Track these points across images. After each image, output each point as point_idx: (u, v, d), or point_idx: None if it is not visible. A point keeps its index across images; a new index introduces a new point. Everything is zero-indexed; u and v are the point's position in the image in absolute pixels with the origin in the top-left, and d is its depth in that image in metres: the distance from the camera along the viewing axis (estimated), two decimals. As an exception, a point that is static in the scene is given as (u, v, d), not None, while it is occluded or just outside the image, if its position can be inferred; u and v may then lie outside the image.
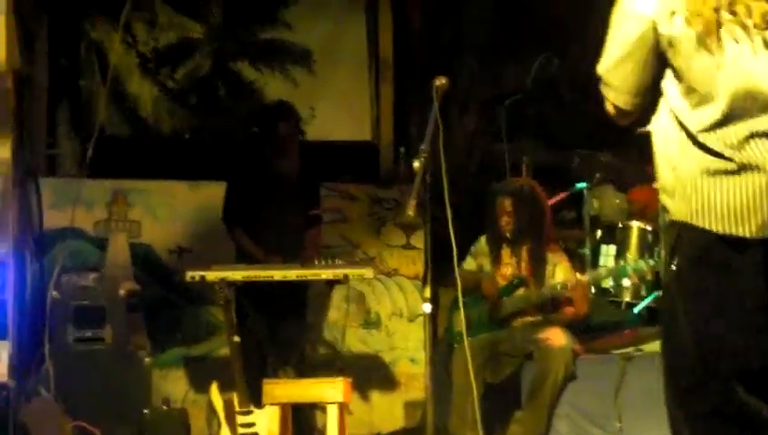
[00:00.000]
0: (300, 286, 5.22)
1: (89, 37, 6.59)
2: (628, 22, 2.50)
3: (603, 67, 2.60)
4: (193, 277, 4.72)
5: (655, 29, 2.46)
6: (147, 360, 5.48)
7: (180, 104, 6.76)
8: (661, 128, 2.52)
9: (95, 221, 6.19)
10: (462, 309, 4.16)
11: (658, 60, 2.50)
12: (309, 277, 4.83)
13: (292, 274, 4.78)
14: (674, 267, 2.42)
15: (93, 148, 5.17)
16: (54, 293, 5.15)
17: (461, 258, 4.83)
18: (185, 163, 6.49)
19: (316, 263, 4.85)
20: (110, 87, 6.10)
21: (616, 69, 2.55)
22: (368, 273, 4.85)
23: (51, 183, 6.12)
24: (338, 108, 6.88)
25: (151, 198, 6.27)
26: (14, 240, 4.89)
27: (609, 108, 2.64)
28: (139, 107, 6.71)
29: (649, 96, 2.57)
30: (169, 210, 6.27)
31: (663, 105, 2.53)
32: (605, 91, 2.62)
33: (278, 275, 4.77)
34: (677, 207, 2.43)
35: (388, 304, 6.45)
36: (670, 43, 2.45)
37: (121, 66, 6.57)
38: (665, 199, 2.48)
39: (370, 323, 6.42)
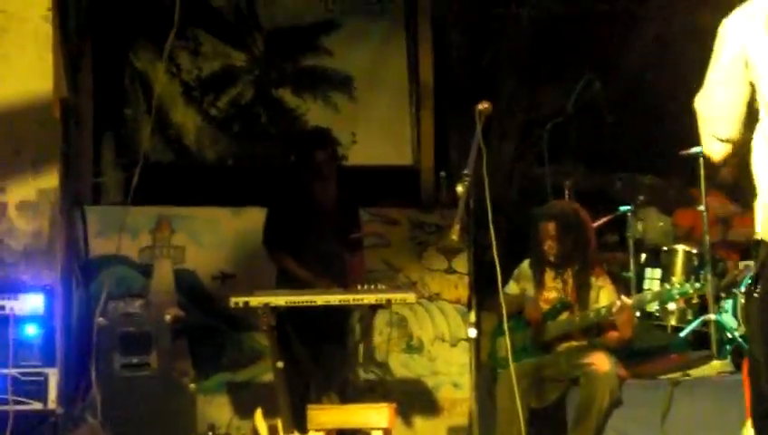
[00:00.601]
0: (343, 311, 5.21)
1: (133, 67, 6.65)
2: (721, 48, 2.51)
3: (698, 97, 2.59)
4: (237, 303, 4.73)
5: (745, 54, 2.47)
6: (191, 386, 5.49)
7: (223, 132, 6.78)
8: (756, 149, 2.49)
9: (140, 248, 6.22)
10: (507, 333, 4.13)
11: (750, 85, 2.49)
12: (351, 302, 4.82)
13: (335, 298, 4.79)
14: (756, 295, 2.38)
15: (138, 175, 5.21)
16: (101, 319, 5.20)
17: (504, 283, 4.81)
18: (228, 189, 6.52)
19: (359, 288, 4.85)
20: (155, 116, 6.11)
21: (709, 96, 2.54)
22: (410, 297, 4.86)
23: (96, 211, 6.23)
24: (379, 133, 6.88)
25: (195, 225, 6.30)
26: (61, 268, 4.94)
27: (707, 143, 2.59)
28: (182, 135, 6.74)
29: (745, 127, 2.53)
30: (213, 236, 6.30)
31: (758, 128, 2.51)
32: (701, 124, 2.58)
33: (320, 300, 4.77)
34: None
35: (430, 329, 6.42)
36: (757, 65, 2.44)
37: (165, 95, 6.60)
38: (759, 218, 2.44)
39: (413, 347, 6.39)
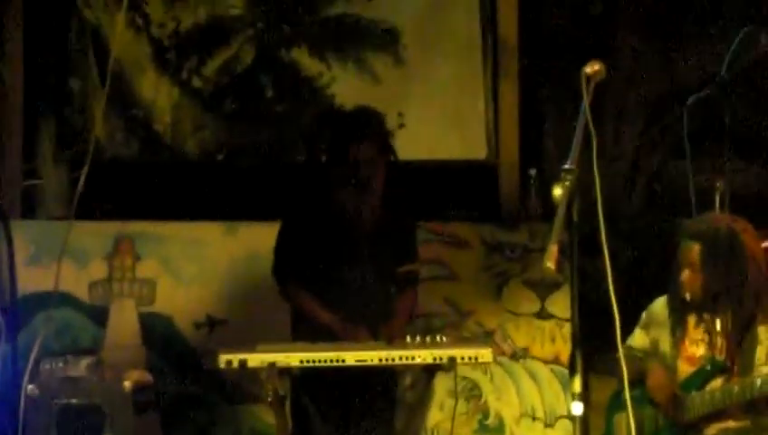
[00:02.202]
0: (385, 375, 5.19)
1: (81, 18, 6.69)
2: None
3: None
4: (230, 362, 4.69)
5: None
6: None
7: (211, 112, 6.82)
8: None
9: (90, 282, 6.27)
10: (629, 410, 4.06)
11: None
12: (398, 362, 4.77)
13: (374, 356, 4.74)
14: None
15: (87, 176, 5.19)
16: (30, 387, 5.14)
17: (626, 332, 4.74)
18: (217, 196, 6.56)
19: (409, 340, 4.81)
20: (112, 89, 6.11)
21: None
22: (484, 355, 4.81)
23: (28, 228, 6.26)
24: (438, 113, 6.89)
25: (169, 248, 6.34)
26: (-28, 311, 4.92)
27: None
28: (152, 117, 6.79)
29: None
30: (196, 265, 6.34)
31: None
32: None
33: (352, 358, 4.72)
34: None
35: (514, 402, 6.43)
36: None
37: (127, 59, 6.65)
38: None
39: (489, 428, 6.41)
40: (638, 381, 4.91)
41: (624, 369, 3.95)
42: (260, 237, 5.73)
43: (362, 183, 5.24)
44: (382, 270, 5.34)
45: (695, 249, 5.00)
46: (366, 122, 5.39)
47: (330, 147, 5.43)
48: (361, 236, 5.29)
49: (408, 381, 5.57)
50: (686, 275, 5.02)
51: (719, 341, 5.00)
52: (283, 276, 5.37)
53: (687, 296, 5.04)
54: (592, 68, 3.67)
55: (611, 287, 3.60)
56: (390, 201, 5.36)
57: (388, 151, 5.45)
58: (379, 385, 5.20)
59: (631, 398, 4.09)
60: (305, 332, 5.18)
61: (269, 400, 4.69)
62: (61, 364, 5.39)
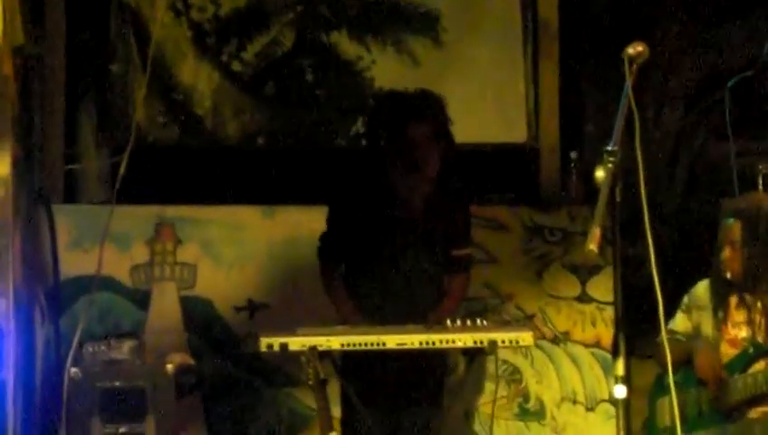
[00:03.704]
0: (429, 360, 5.19)
1: (121, 3, 6.67)
2: None
3: None
4: (270, 346, 4.70)
5: None
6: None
7: (251, 96, 6.81)
8: None
9: (132, 266, 6.29)
10: (673, 393, 4.09)
11: None
12: (438, 346, 4.75)
13: (414, 339, 4.73)
14: None
15: (128, 160, 5.20)
16: (74, 370, 5.21)
17: (669, 315, 4.76)
18: (257, 180, 6.57)
19: (449, 324, 4.78)
20: (152, 74, 6.10)
21: None
22: (525, 338, 4.79)
23: (70, 212, 6.29)
24: (478, 96, 6.85)
25: (210, 232, 6.34)
26: (15, 295, 4.94)
27: None
28: (192, 101, 6.78)
29: None
30: (237, 248, 6.34)
31: None
32: None
33: (392, 341, 4.72)
34: None
35: (555, 385, 6.43)
36: None
37: (168, 43, 6.65)
38: None
39: (530, 412, 6.40)
40: (681, 364, 4.90)
41: (667, 352, 3.94)
42: (299, 221, 5.75)
43: (418, 166, 5.25)
44: (434, 254, 5.35)
45: (735, 227, 5.01)
46: (426, 104, 5.39)
47: (387, 127, 5.40)
48: (413, 220, 5.31)
49: (450, 365, 5.57)
50: (726, 253, 5.04)
51: (761, 322, 5.00)
52: (327, 260, 5.40)
53: (728, 275, 5.05)
54: (635, 49, 3.67)
55: (654, 270, 3.58)
56: (444, 185, 5.37)
57: (447, 135, 5.44)
58: (422, 370, 5.21)
59: (675, 382, 4.14)
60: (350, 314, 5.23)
61: (310, 383, 4.66)
62: (103, 347, 5.42)
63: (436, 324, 4.84)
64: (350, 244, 5.33)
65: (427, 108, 5.35)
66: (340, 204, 5.43)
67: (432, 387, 5.33)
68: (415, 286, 5.27)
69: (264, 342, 4.70)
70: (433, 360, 5.23)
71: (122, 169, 5.21)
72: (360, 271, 5.32)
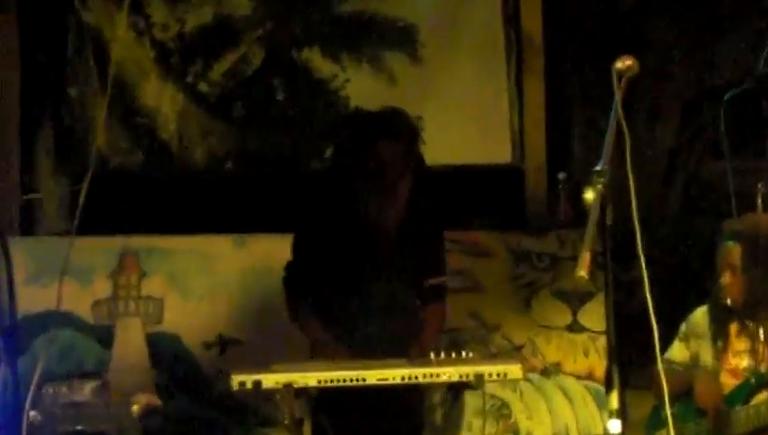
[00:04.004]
0: (410, 396, 5.15)
1: (79, 20, 6.69)
2: None
3: None
4: (243, 384, 4.65)
5: None
6: None
7: (219, 118, 6.84)
8: None
9: (94, 300, 6.28)
10: (670, 426, 4.07)
11: None
12: (421, 380, 4.73)
13: (396, 374, 4.69)
14: None
15: (89, 188, 5.18)
16: (33, 413, 5.13)
17: (665, 344, 4.76)
18: (226, 208, 6.57)
19: (432, 357, 4.76)
20: (113, 96, 6.15)
21: None
22: (513, 371, 4.75)
23: (27, 244, 6.28)
24: (459, 115, 6.90)
25: (178, 263, 6.36)
26: (-31, 333, 4.92)
27: None
28: (156, 125, 6.80)
29: None
30: (206, 280, 6.35)
31: None
32: None
33: (373, 377, 4.68)
34: None
35: (546, 421, 6.44)
36: None
37: (129, 64, 6.68)
38: None
39: None
40: (680, 396, 4.91)
41: (664, 383, 3.93)
42: (272, 250, 5.72)
43: (388, 187, 5.22)
44: (408, 283, 5.32)
45: (735, 250, 5.01)
46: (394, 121, 5.37)
47: (354, 147, 5.38)
48: (385, 246, 5.26)
49: (433, 401, 5.55)
50: (726, 278, 5.03)
51: (763, 351, 5.01)
52: (293, 290, 5.35)
53: (728, 302, 5.04)
54: (624, 63, 3.65)
55: (649, 296, 3.57)
56: (416, 209, 5.33)
57: (416, 155, 5.43)
58: (403, 407, 5.16)
59: (672, 415, 4.10)
60: (322, 350, 5.17)
61: (285, 423, 4.64)
62: (64, 389, 5.41)
63: (419, 358, 4.81)
64: (317, 273, 5.27)
65: (395, 125, 5.34)
66: (306, 230, 5.38)
67: (413, 424, 5.30)
68: (388, 317, 5.22)
69: (236, 379, 4.65)
70: (414, 395, 5.19)
71: (82, 198, 5.17)
72: (328, 302, 5.27)
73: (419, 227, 5.33)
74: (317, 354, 5.13)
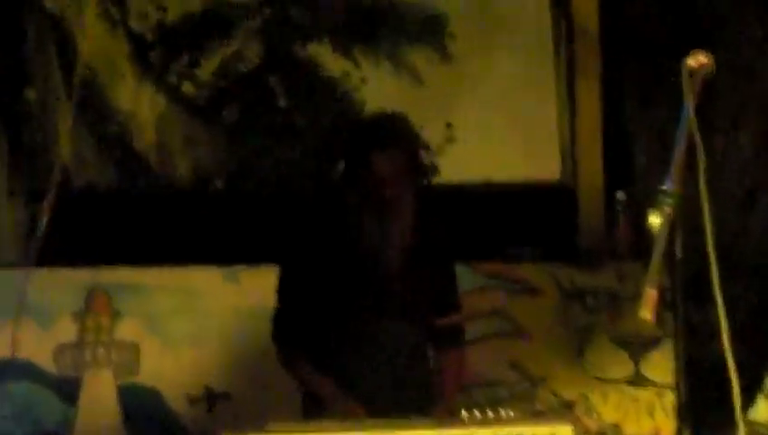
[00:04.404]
0: None
1: (39, 9, 6.74)
2: None
3: None
4: (234, 447, 4.68)
5: None
6: None
7: (207, 127, 6.88)
8: None
9: (57, 346, 6.31)
10: None
11: None
12: None
13: (414, 437, 4.72)
14: None
15: (52, 211, 5.19)
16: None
17: (747, 401, 4.68)
18: (216, 234, 6.59)
19: (464, 416, 4.68)
20: (80, 99, 6.20)
21: None
22: (563, 433, 4.66)
23: None
24: (497, 123, 6.92)
25: (157, 302, 6.39)
26: None
27: None
28: (132, 134, 6.84)
29: None
30: (190, 323, 6.39)
31: None
32: None
33: None
34: None
35: None
36: None
37: (100, 60, 6.72)
38: None
39: None
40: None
41: (747, 449, 3.94)
42: (269, 286, 5.70)
43: (386, 208, 5.22)
44: (416, 322, 5.31)
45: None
46: (390, 127, 5.37)
47: (344, 161, 5.39)
48: (387, 279, 5.25)
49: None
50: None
51: None
52: (283, 339, 5.38)
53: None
54: (697, 60, 3.67)
55: (727, 343, 3.54)
56: (423, 233, 5.31)
57: (419, 166, 5.42)
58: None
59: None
60: (316, 409, 5.20)
61: (284, 495, 4.68)
62: (22, 452, 5.43)
63: (447, 417, 4.82)
64: (309, 320, 5.29)
65: (392, 131, 5.33)
66: (292, 267, 5.39)
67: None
68: (394, 363, 5.23)
69: (227, 442, 4.72)
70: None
71: (43, 223, 5.20)
72: (325, 353, 5.27)
73: (428, 256, 5.33)
74: (328, 412, 5.13)
